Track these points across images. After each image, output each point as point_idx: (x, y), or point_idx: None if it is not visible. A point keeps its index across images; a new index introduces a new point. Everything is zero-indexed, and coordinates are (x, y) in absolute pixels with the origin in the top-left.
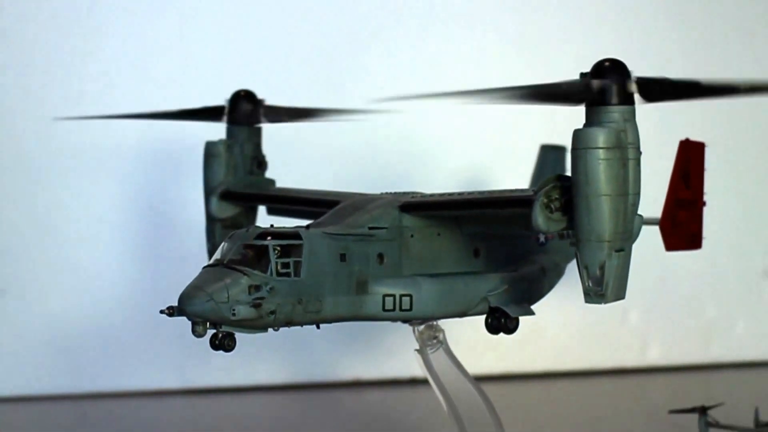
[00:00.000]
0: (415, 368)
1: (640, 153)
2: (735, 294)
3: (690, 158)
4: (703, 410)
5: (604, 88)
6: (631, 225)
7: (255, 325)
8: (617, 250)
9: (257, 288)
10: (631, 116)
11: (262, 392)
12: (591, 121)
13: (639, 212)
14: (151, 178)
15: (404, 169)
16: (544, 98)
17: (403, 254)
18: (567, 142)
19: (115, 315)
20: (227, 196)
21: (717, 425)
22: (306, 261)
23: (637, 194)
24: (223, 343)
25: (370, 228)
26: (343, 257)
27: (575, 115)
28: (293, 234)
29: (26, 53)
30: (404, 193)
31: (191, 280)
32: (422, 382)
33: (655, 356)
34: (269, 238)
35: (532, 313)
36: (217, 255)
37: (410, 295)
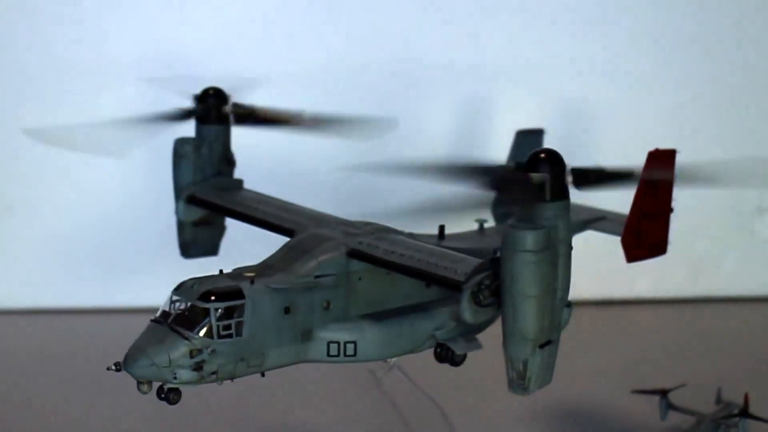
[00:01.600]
0: None
1: (571, 248)
2: (727, 230)
3: (659, 168)
4: (664, 392)
5: (540, 184)
6: (559, 318)
7: (197, 383)
8: (542, 345)
9: (199, 351)
10: (565, 211)
11: None
12: (523, 216)
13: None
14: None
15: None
16: (477, 183)
17: (350, 298)
18: None
19: (120, 232)
20: (193, 200)
21: (678, 408)
22: (248, 320)
23: (566, 289)
24: (168, 397)
25: (317, 276)
26: (287, 310)
27: None
28: (236, 292)
29: None
30: (366, 224)
31: (138, 336)
32: None
33: (643, 289)
34: (212, 298)
35: (479, 347)
36: (165, 307)
37: (354, 342)
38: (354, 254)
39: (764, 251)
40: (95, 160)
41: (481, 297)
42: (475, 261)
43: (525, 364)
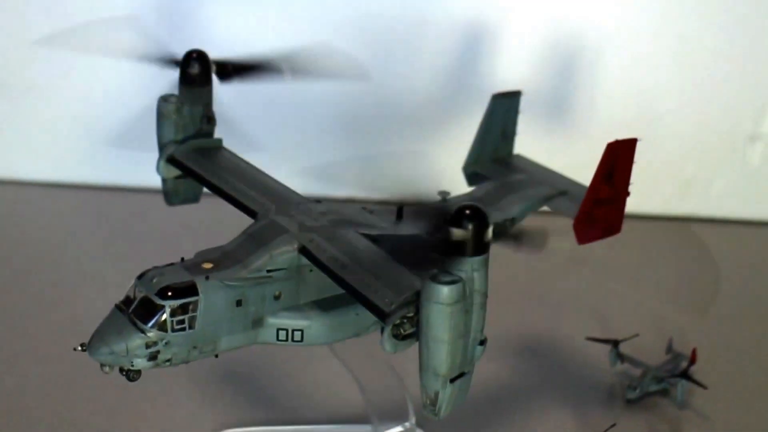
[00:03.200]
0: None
1: (486, 296)
2: (718, 154)
3: (617, 158)
4: (615, 343)
5: (461, 240)
6: (473, 355)
7: (153, 368)
8: (454, 380)
9: (154, 343)
10: (482, 265)
11: None
12: (444, 266)
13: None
14: None
15: None
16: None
17: (300, 287)
18: None
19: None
20: (172, 161)
21: (627, 359)
22: (201, 315)
23: (480, 330)
24: (128, 375)
25: (269, 271)
26: (239, 303)
27: None
28: (190, 288)
29: None
30: (325, 211)
31: (102, 321)
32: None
33: (630, 204)
34: (169, 294)
35: None
36: (129, 292)
37: (302, 330)
38: (304, 252)
39: (753, 177)
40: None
41: (401, 330)
42: (410, 282)
43: (436, 394)
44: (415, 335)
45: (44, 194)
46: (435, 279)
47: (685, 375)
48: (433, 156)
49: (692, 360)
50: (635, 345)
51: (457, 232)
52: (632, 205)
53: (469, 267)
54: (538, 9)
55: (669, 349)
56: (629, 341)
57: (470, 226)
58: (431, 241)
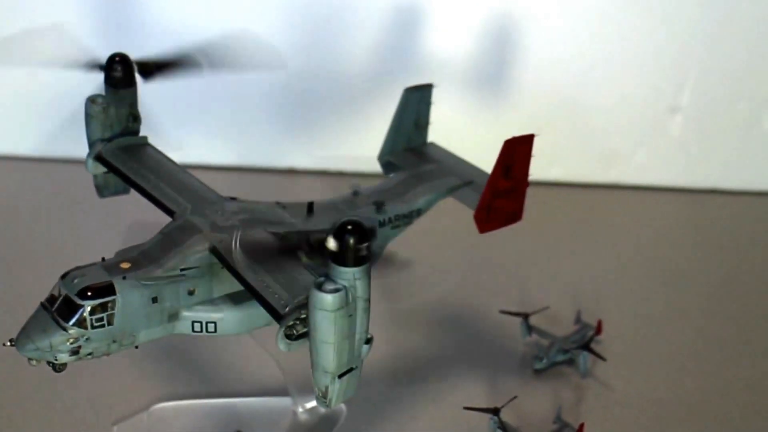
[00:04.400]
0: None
1: (368, 302)
2: (641, 126)
3: (515, 153)
4: (526, 316)
5: (343, 251)
6: (359, 354)
7: (76, 361)
8: (342, 375)
9: (75, 339)
10: (364, 274)
11: (205, 171)
12: (328, 275)
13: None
14: None
15: None
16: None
17: (213, 283)
18: None
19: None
20: (100, 159)
21: (536, 331)
22: (119, 312)
23: (365, 331)
24: (54, 367)
25: (182, 269)
26: (155, 299)
27: None
28: (108, 288)
29: None
30: (238, 210)
31: (28, 320)
32: (349, 174)
33: (557, 173)
34: (88, 294)
35: None
36: (54, 290)
37: (215, 322)
38: (215, 253)
39: (673, 147)
40: None
41: (294, 331)
42: (306, 284)
43: (327, 388)
44: (307, 335)
45: None
46: (320, 288)
47: (587, 347)
48: (367, 132)
49: (598, 331)
50: (552, 315)
51: (333, 244)
52: (560, 174)
53: (351, 276)
54: None
55: (577, 320)
56: (542, 313)
57: (350, 240)
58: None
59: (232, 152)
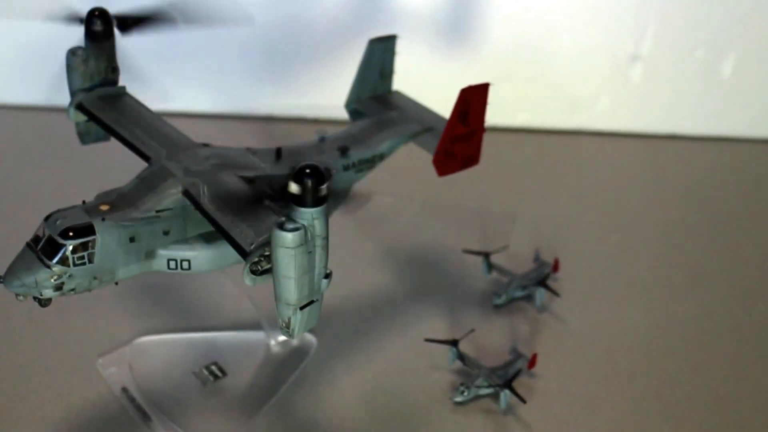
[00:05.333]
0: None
1: (327, 239)
2: (602, 74)
3: (471, 101)
4: (487, 255)
5: (301, 193)
6: (318, 287)
7: (60, 296)
8: (303, 307)
9: (58, 276)
10: (322, 214)
11: (188, 118)
12: (289, 215)
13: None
14: None
15: None
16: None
17: (187, 224)
18: None
19: None
20: (80, 108)
21: (496, 268)
22: (99, 251)
23: (324, 267)
24: (40, 302)
25: (158, 211)
26: (132, 239)
27: None
28: (88, 229)
29: None
30: (209, 156)
31: (15, 258)
32: (324, 122)
33: (523, 120)
34: (70, 234)
35: None
36: (38, 231)
37: (189, 260)
38: (187, 195)
39: (634, 94)
40: None
41: (259, 266)
42: (269, 224)
43: (289, 319)
44: (270, 273)
45: None
46: (281, 227)
47: (543, 283)
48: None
49: (554, 269)
50: (512, 254)
51: (293, 187)
52: (526, 120)
53: (309, 216)
54: None
55: (536, 258)
56: (502, 253)
57: (309, 182)
58: (281, 193)
59: (211, 100)
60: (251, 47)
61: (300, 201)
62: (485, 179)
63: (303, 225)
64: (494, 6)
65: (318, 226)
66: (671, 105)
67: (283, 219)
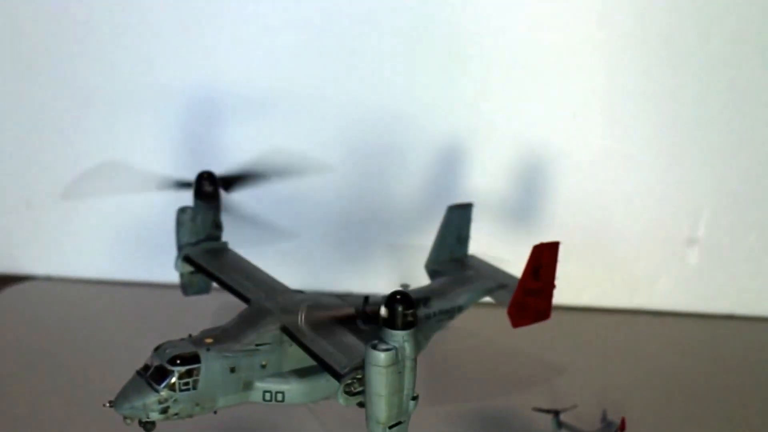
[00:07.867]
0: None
1: (415, 361)
2: (660, 256)
3: (542, 257)
4: (556, 413)
5: (392, 317)
6: (407, 408)
7: (164, 420)
8: (392, 426)
9: (165, 400)
10: (410, 337)
11: None
12: (380, 336)
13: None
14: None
15: None
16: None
17: (282, 359)
18: None
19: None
20: (187, 260)
21: (566, 426)
22: (202, 379)
23: (412, 388)
24: (145, 426)
25: (257, 345)
26: (233, 369)
27: None
28: (194, 357)
29: None
30: (303, 299)
31: (126, 383)
32: None
33: (587, 299)
34: (177, 362)
35: None
36: (148, 361)
37: (283, 392)
38: (285, 330)
39: (692, 275)
40: None
41: (352, 387)
42: (360, 351)
43: None
44: (363, 392)
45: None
46: (374, 347)
47: None
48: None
49: (621, 428)
50: (580, 415)
51: (383, 312)
52: (588, 300)
53: (400, 338)
54: (504, 129)
55: (603, 418)
56: (571, 411)
57: (399, 307)
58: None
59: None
60: (329, 223)
61: (391, 324)
62: (554, 349)
63: (394, 346)
64: (558, 189)
65: (407, 348)
66: (727, 286)
67: (376, 341)
